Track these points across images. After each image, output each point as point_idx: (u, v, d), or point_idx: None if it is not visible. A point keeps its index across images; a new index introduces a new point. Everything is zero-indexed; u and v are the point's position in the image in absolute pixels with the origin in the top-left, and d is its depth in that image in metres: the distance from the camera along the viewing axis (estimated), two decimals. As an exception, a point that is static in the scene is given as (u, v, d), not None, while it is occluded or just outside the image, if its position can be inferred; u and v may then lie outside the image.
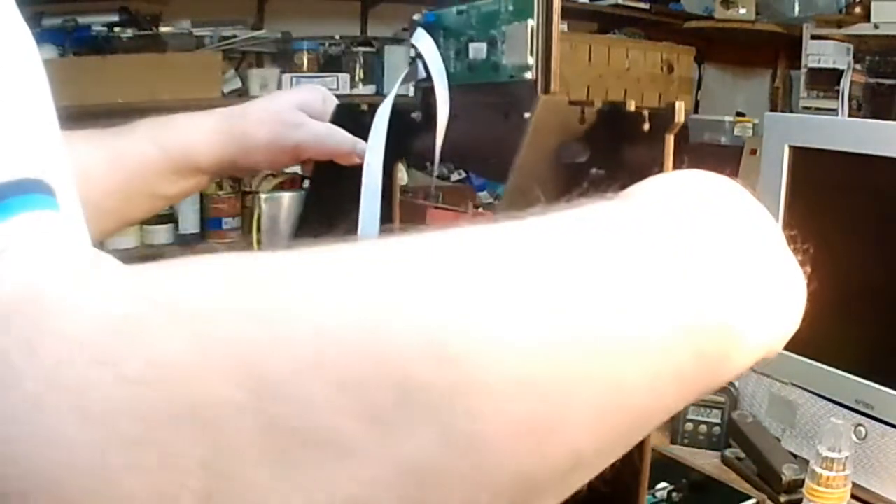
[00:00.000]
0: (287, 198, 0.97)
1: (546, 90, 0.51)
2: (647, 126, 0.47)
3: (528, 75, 0.52)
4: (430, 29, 0.61)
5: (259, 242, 1.04)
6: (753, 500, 0.81)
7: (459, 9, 0.58)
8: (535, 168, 0.48)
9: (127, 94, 2.03)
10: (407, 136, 0.64)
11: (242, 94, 2.36)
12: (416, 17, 0.62)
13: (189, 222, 2.30)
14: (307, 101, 0.65)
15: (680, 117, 0.46)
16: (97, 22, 2.14)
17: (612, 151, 0.49)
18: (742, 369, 0.30)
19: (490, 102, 0.55)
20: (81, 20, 2.11)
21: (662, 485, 0.89)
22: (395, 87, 0.60)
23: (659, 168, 0.46)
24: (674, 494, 0.87)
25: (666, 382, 0.25)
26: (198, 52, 2.27)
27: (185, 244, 2.21)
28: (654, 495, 0.89)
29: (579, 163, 0.50)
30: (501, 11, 0.54)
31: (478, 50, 0.57)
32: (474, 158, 0.58)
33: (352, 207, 0.57)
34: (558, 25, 0.51)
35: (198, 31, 2.29)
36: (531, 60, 0.52)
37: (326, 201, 0.62)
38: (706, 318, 0.27)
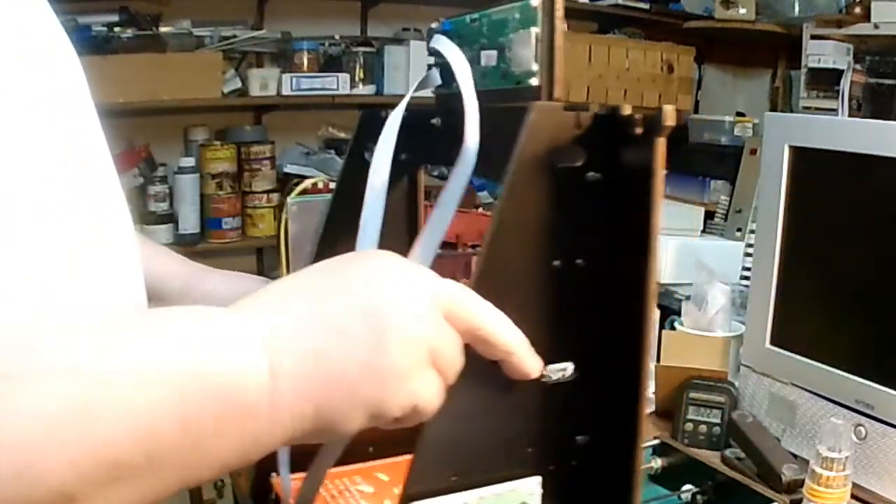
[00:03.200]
0: (314, 202, 0.99)
1: (550, 96, 0.52)
2: (639, 130, 0.47)
3: (534, 81, 0.53)
4: (447, 37, 0.62)
5: (286, 246, 1.07)
6: None
7: (472, 17, 0.59)
8: (530, 173, 0.49)
9: (127, 94, 2.03)
10: (428, 142, 0.65)
11: (242, 94, 2.36)
12: (433, 25, 0.63)
13: (189, 222, 2.29)
14: None
15: (670, 120, 0.46)
16: (97, 22, 2.14)
17: (608, 155, 0.50)
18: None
19: (501, 108, 0.56)
20: (81, 20, 2.11)
21: (687, 487, 0.89)
22: (409, 92, 0.61)
23: (650, 171, 0.47)
24: (698, 497, 0.87)
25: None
26: (198, 52, 2.27)
27: (186, 244, 2.21)
28: (679, 497, 0.89)
29: (576, 167, 0.50)
30: (510, 19, 0.55)
31: (489, 57, 0.58)
32: (487, 163, 0.60)
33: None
34: (561, 32, 0.52)
35: (198, 31, 2.29)
36: (535, 67, 0.52)
37: (351, 205, 0.62)
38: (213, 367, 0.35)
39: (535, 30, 0.52)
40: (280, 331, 0.37)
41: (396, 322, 0.39)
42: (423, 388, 0.40)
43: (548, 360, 0.50)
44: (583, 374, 0.52)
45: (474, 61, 0.59)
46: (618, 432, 0.51)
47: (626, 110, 0.48)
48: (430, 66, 0.63)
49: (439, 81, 0.62)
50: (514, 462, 0.52)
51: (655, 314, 0.51)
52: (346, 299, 0.39)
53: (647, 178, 0.47)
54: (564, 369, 0.51)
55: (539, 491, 0.52)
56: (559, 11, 0.51)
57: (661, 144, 0.46)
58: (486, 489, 0.51)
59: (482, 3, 0.60)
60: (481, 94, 0.58)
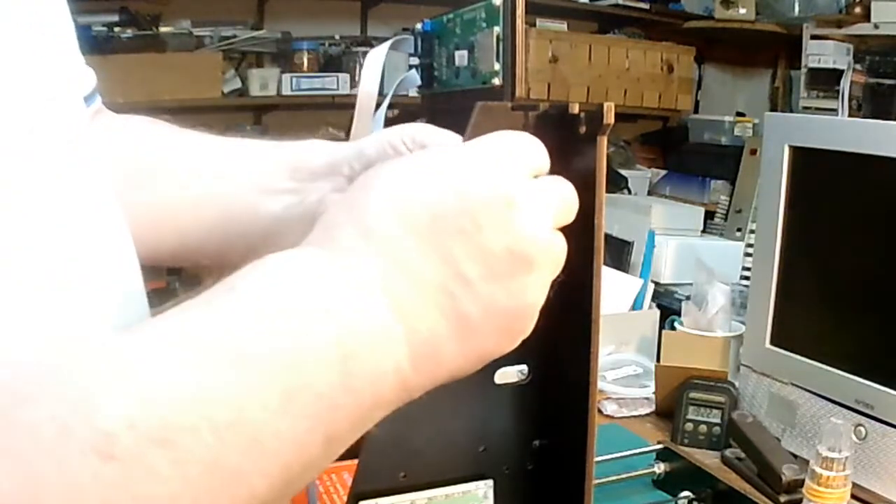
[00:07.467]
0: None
1: (512, 96, 0.52)
2: (583, 129, 0.46)
3: (497, 81, 0.53)
4: (427, 37, 0.62)
5: None
6: None
7: (448, 17, 0.59)
8: None
9: (127, 94, 2.02)
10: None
11: (242, 94, 2.36)
12: (418, 26, 0.63)
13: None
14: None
15: (609, 118, 0.45)
16: (97, 22, 2.14)
17: (555, 155, 0.49)
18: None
19: (468, 109, 0.56)
20: (81, 20, 2.10)
21: (685, 493, 0.89)
22: (390, 92, 0.61)
23: (591, 170, 0.46)
24: None
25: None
26: (198, 52, 2.27)
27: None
28: (676, 503, 0.89)
29: None
30: (477, 19, 0.55)
31: (461, 57, 0.58)
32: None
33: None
34: (523, 32, 0.52)
35: (198, 31, 2.29)
36: (498, 66, 0.52)
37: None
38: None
39: (496, 29, 0.52)
40: (398, 284, 0.31)
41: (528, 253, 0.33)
42: (538, 300, 0.35)
43: (501, 363, 0.49)
44: (538, 377, 0.51)
45: (450, 61, 0.59)
46: (573, 436, 0.50)
47: (574, 108, 0.47)
48: (410, 67, 0.63)
49: (419, 82, 0.63)
50: (467, 463, 0.51)
51: (601, 318, 0.49)
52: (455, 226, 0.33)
53: (590, 179, 0.46)
54: (522, 370, 0.51)
55: (491, 493, 0.52)
56: (520, 10, 0.51)
57: (602, 143, 0.45)
58: (437, 490, 0.50)
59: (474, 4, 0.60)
60: (457, 95, 0.58)
